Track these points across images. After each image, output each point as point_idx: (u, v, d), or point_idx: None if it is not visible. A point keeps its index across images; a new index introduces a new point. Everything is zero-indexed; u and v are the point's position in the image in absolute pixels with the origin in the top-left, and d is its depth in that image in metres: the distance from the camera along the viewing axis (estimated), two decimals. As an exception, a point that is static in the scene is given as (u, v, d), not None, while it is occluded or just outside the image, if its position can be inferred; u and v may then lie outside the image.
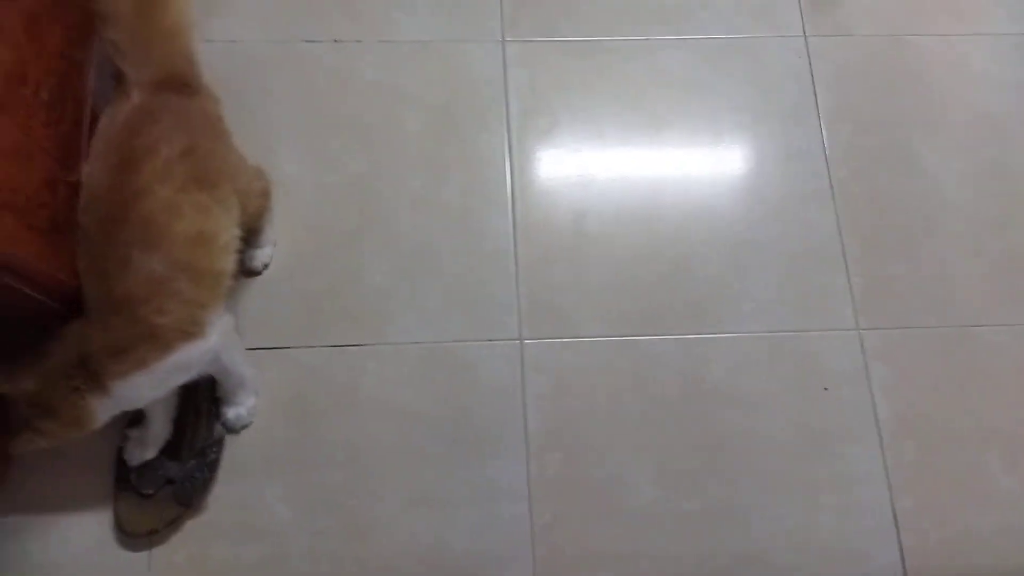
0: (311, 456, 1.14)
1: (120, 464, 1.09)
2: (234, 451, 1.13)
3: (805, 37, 1.42)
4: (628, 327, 1.23)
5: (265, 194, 1.14)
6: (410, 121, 1.32)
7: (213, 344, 0.96)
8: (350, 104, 1.32)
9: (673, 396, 1.20)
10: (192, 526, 1.09)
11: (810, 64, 1.40)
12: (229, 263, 0.98)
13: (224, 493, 1.11)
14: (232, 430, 1.13)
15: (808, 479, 1.17)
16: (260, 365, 1.16)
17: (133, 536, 1.07)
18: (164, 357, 0.91)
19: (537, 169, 1.31)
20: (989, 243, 1.31)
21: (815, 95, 1.38)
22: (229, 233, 0.98)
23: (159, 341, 0.90)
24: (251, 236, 1.15)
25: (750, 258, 1.27)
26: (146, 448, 1.07)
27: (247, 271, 1.20)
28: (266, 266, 1.21)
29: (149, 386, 0.93)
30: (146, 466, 1.07)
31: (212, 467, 1.10)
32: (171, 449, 1.09)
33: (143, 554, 1.08)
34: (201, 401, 1.12)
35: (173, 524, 1.08)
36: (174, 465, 1.07)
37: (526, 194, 1.29)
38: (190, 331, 0.93)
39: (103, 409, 0.91)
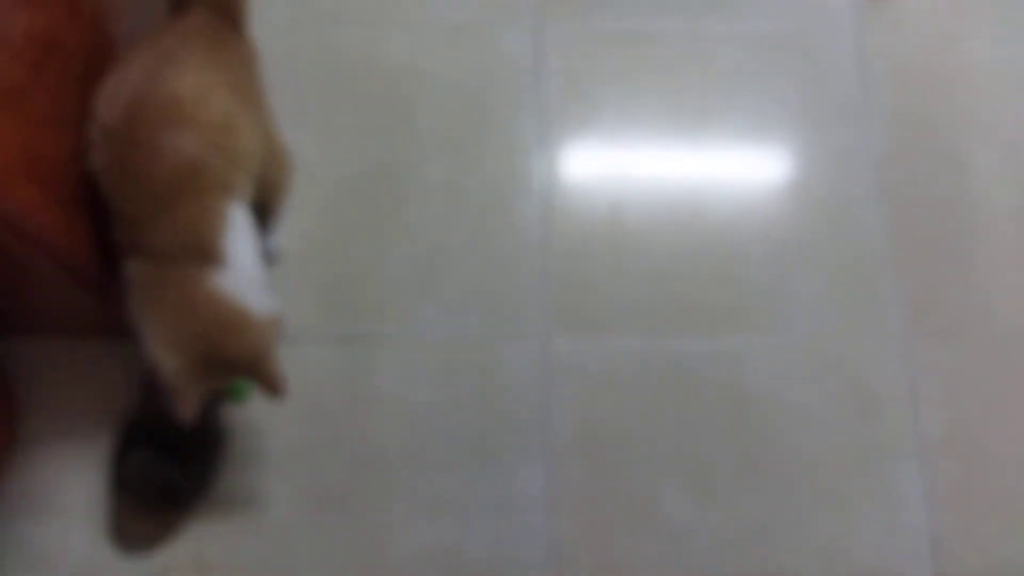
0: (319, 454, 1.10)
1: (118, 466, 1.05)
2: (238, 446, 1.10)
3: (858, 34, 1.36)
4: (663, 328, 1.19)
5: (284, 168, 1.10)
6: (438, 106, 1.28)
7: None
8: (375, 87, 1.28)
9: (707, 403, 1.16)
10: (193, 522, 1.06)
11: (862, 62, 1.34)
12: (255, 156, 0.96)
13: (227, 489, 1.08)
14: (274, 259, 1.14)
15: (845, 495, 1.13)
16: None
17: (131, 542, 1.04)
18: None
19: (571, 159, 1.27)
20: (1042, 255, 1.25)
21: (866, 93, 1.32)
22: (253, 135, 0.95)
23: (217, 209, 0.88)
24: (262, 217, 1.11)
25: (794, 260, 1.23)
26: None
27: None
28: (275, 257, 1.16)
29: (244, 243, 0.91)
30: (143, 470, 1.03)
31: (213, 470, 1.07)
32: (170, 452, 1.05)
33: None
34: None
35: (171, 527, 1.05)
36: (172, 468, 1.03)
37: (559, 185, 1.25)
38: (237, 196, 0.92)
39: (233, 283, 0.87)
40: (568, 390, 1.15)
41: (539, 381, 1.15)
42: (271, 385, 0.87)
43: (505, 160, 1.26)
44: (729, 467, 1.13)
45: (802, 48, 1.35)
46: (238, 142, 0.92)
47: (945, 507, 1.13)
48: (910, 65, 1.35)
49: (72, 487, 1.07)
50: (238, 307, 0.86)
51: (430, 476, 1.10)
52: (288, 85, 1.26)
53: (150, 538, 1.04)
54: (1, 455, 1.04)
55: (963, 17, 1.39)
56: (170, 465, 1.03)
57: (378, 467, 1.10)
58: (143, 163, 0.84)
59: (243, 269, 0.90)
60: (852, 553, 1.10)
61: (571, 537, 1.09)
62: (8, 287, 0.91)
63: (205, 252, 0.86)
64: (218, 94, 0.90)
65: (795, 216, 1.25)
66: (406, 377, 1.14)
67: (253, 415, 1.11)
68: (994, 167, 1.30)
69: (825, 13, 1.37)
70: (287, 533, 1.07)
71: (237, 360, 0.85)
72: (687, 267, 1.22)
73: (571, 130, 1.28)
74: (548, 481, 1.11)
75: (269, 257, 1.16)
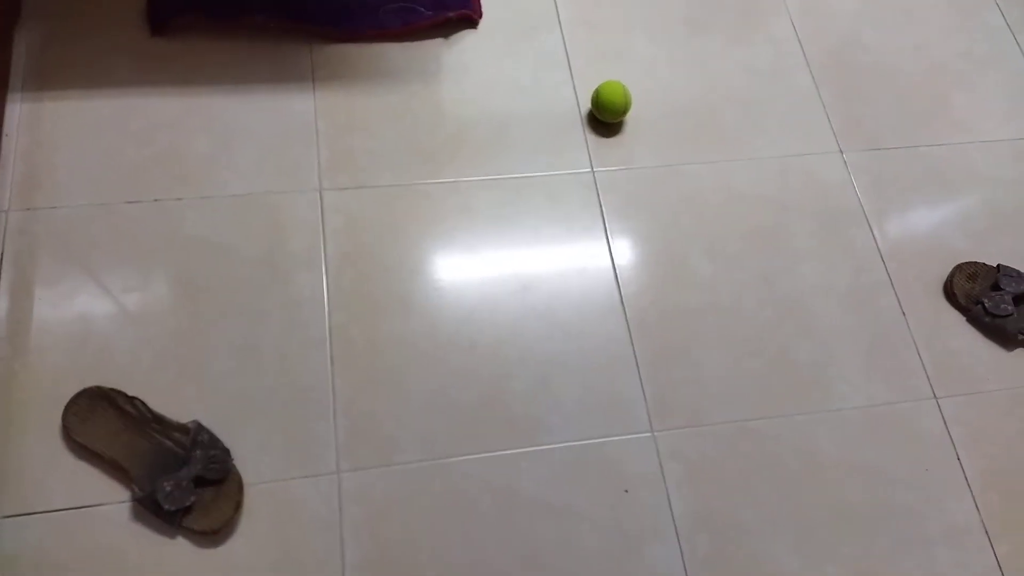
0: None
1: (157, 509, 1.18)
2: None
3: (593, 172, 1.59)
4: (443, 449, 1.30)
5: None
6: (230, 270, 1.40)
7: None
8: (172, 259, 1.39)
9: (488, 512, 1.27)
10: None
11: (598, 194, 1.56)
12: None
13: None
14: None
15: (616, 578, 1.25)
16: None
17: (217, 531, 1.19)
18: None
19: (355, 306, 1.39)
20: (762, 344, 1.46)
21: (604, 222, 1.53)
22: None
23: None
24: None
25: (555, 373, 1.37)
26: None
27: None
28: None
29: None
30: (168, 490, 1.18)
31: (214, 442, 1.24)
32: (172, 465, 1.21)
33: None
34: (145, 425, 1.24)
35: (239, 497, 1.22)
36: (185, 469, 1.20)
37: (344, 329, 1.37)
38: None
39: None
40: (358, 517, 1.24)
41: (333, 514, 1.23)
42: None
43: (295, 313, 1.37)
44: (511, 568, 1.23)
45: (549, 189, 1.55)
46: None
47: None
48: (639, 194, 1.57)
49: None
50: None
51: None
52: (90, 263, 1.36)
53: (237, 507, 1.21)
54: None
55: (679, 148, 1.63)
56: (182, 469, 1.19)
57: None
58: None
59: None
60: (630, 631, 1.22)
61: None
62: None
63: None
64: None
65: (552, 333, 1.41)
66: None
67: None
68: (716, 275, 1.51)
69: (566, 157, 1.59)
70: None
71: None
72: (460, 394, 1.35)
73: (352, 279, 1.41)
74: (340, 607, 1.18)
75: None
